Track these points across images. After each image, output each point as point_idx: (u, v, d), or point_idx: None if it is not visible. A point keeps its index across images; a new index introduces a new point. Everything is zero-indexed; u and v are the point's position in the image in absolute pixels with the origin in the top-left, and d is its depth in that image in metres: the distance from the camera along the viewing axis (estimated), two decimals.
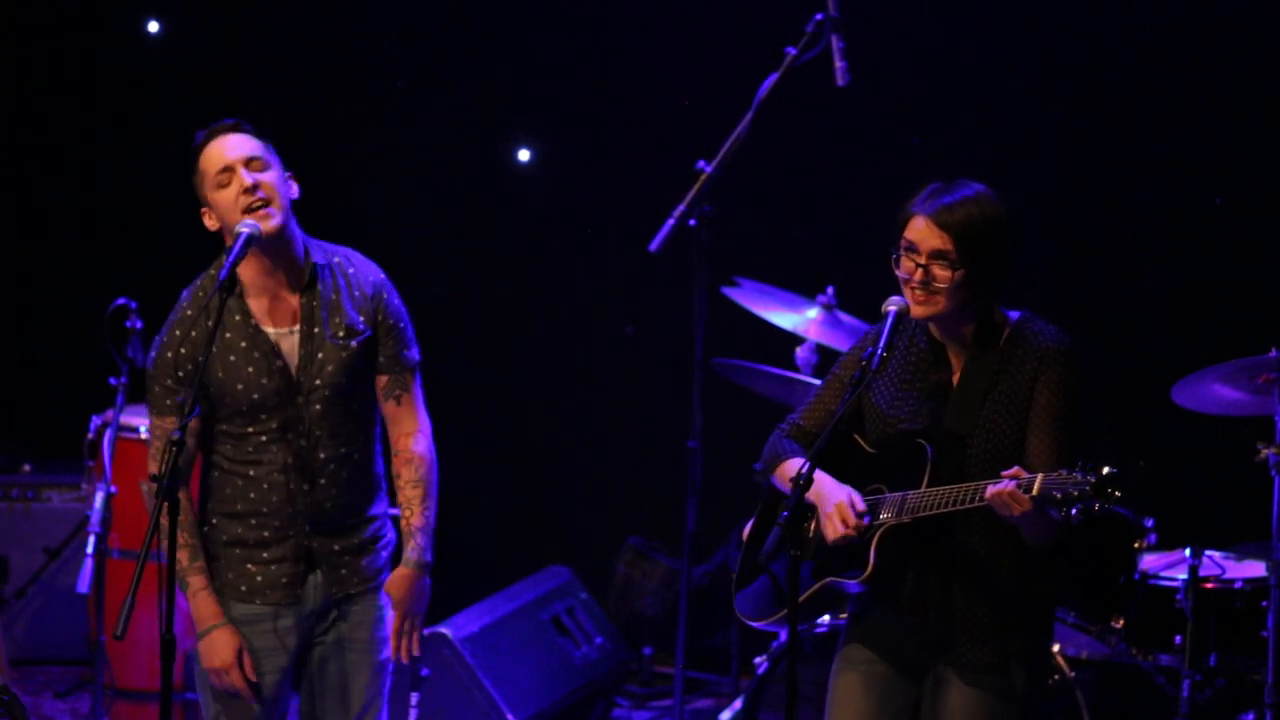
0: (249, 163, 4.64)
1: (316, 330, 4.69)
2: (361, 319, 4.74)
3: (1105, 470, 4.03)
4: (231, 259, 4.53)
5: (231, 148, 4.66)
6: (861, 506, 4.31)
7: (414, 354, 4.86)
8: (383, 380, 4.80)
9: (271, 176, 4.65)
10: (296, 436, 4.70)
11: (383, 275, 4.85)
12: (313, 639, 4.81)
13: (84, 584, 6.23)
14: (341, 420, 4.73)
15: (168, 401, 4.68)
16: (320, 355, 4.68)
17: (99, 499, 6.32)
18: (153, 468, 4.68)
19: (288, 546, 4.74)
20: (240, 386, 4.67)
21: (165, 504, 4.34)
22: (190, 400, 4.49)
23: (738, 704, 6.52)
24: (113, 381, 6.62)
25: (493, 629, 6.91)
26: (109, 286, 6.88)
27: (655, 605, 8.03)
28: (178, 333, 4.69)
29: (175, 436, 4.36)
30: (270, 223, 4.60)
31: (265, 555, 4.74)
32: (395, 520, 4.94)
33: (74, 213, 8.78)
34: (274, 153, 4.72)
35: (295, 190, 4.74)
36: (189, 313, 4.71)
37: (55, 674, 7.72)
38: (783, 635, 5.99)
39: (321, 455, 4.71)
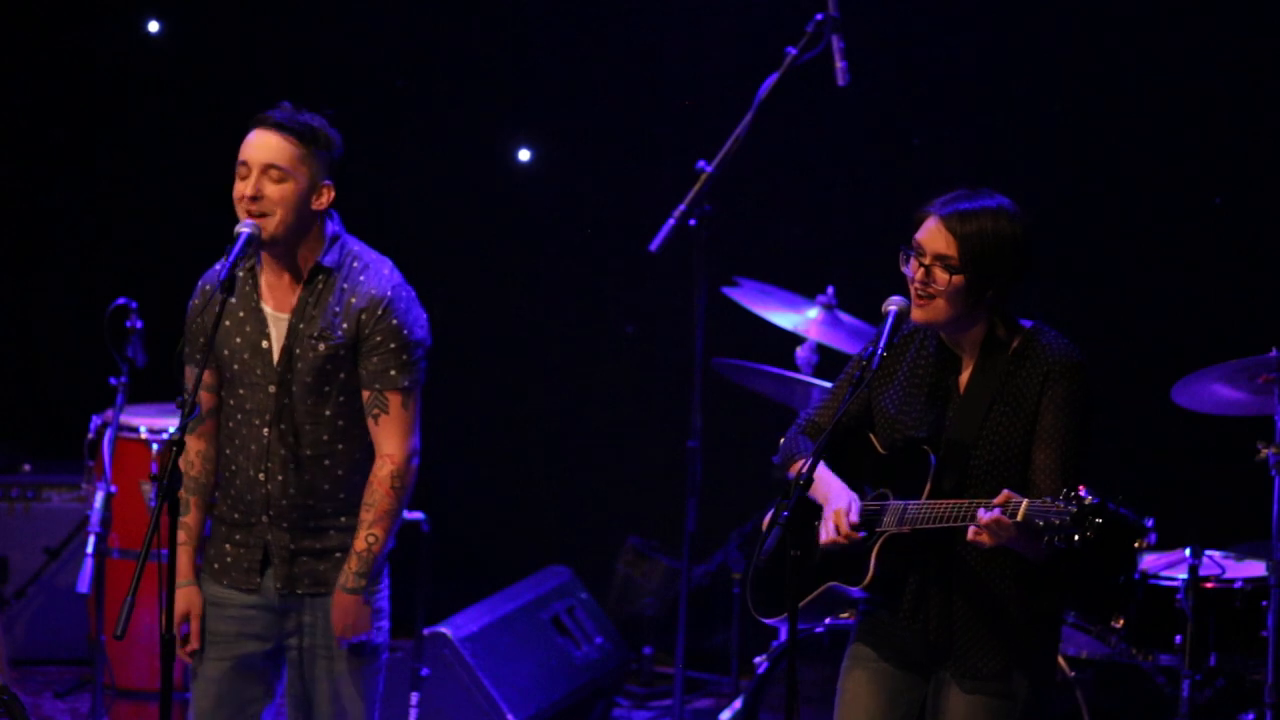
0: (267, 169, 4.63)
1: (302, 326, 4.69)
2: (343, 326, 4.69)
3: (1087, 501, 4.02)
4: (231, 259, 4.53)
5: (258, 146, 4.65)
6: (855, 519, 4.29)
7: (406, 378, 4.72)
8: (365, 395, 4.73)
9: (283, 190, 4.63)
10: (262, 424, 4.71)
11: (394, 293, 4.74)
12: (288, 638, 4.80)
13: (84, 584, 6.23)
14: (313, 421, 4.70)
15: (187, 349, 4.79)
16: (297, 351, 4.69)
17: (99, 499, 6.31)
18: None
19: (251, 533, 4.76)
20: (227, 353, 4.72)
21: (165, 504, 4.35)
22: (190, 401, 4.49)
23: (738, 704, 6.52)
24: (113, 381, 6.62)
25: (493, 629, 6.90)
26: (109, 286, 6.89)
27: (655, 605, 8.03)
28: (199, 284, 4.83)
29: (176, 437, 4.37)
30: (265, 232, 4.60)
31: (237, 537, 4.78)
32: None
33: (74, 212, 8.78)
34: (314, 158, 4.68)
35: (324, 200, 4.71)
36: (216, 266, 4.76)
37: (55, 674, 7.72)
38: (783, 634, 5.99)
39: (283, 451, 4.70)
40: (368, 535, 4.71)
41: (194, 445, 4.79)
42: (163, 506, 4.35)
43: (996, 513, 4.10)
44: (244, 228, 4.59)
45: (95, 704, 6.58)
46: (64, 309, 8.66)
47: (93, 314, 6.84)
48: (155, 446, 5.16)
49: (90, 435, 7.03)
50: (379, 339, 4.71)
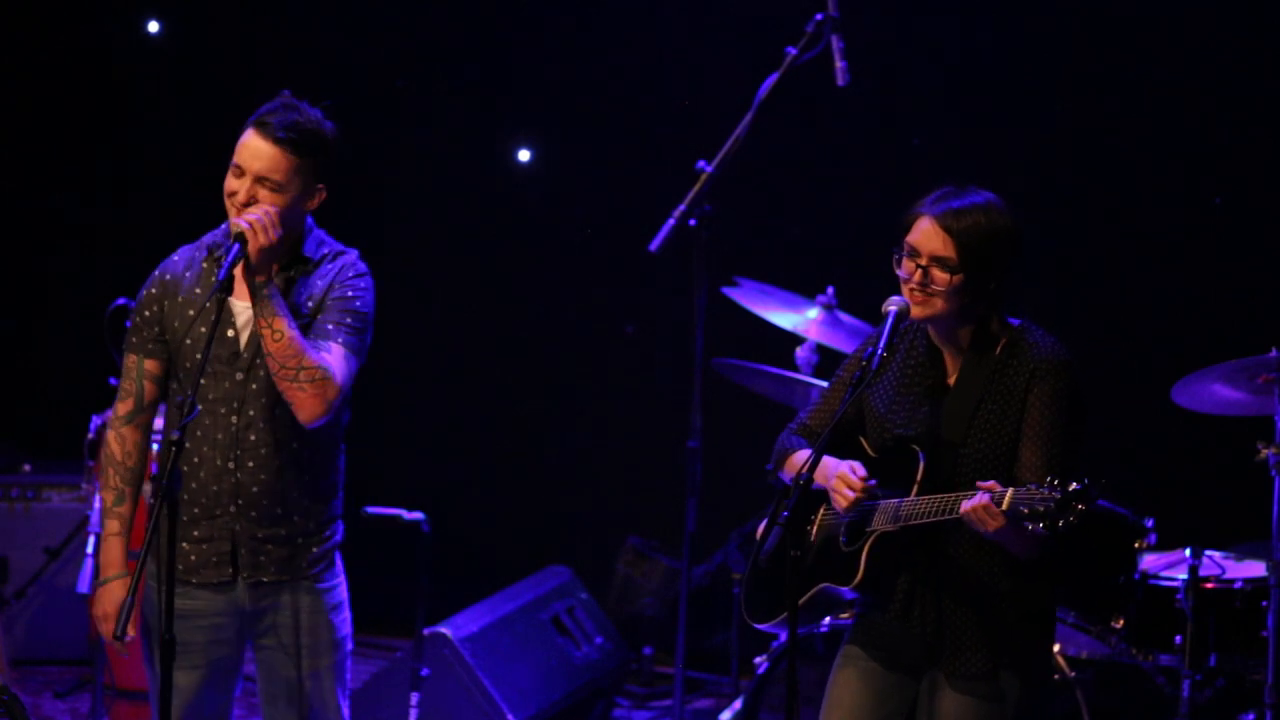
0: (262, 180, 4.62)
1: None
2: (310, 305, 4.70)
3: (1071, 487, 4.03)
4: (230, 260, 4.53)
5: (257, 155, 4.62)
6: (862, 471, 4.33)
7: (341, 336, 4.65)
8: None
9: (276, 201, 4.61)
10: (229, 413, 4.69)
11: (357, 270, 4.75)
12: (257, 638, 4.79)
13: (84, 584, 6.23)
14: (282, 406, 4.69)
15: (133, 339, 4.76)
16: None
17: (99, 499, 6.31)
18: (118, 407, 4.76)
19: (215, 526, 4.72)
20: (189, 343, 4.67)
21: (165, 504, 4.34)
22: (189, 402, 4.48)
23: (738, 704, 6.52)
24: (113, 381, 6.61)
25: (493, 629, 6.91)
26: (109, 286, 6.88)
27: (655, 605, 8.03)
28: (156, 273, 4.77)
29: (175, 436, 4.36)
30: (253, 245, 4.56)
31: (196, 533, 4.73)
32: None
33: (74, 212, 8.78)
34: (309, 166, 4.64)
35: (315, 203, 4.70)
36: (175, 258, 4.77)
37: (55, 674, 7.72)
38: (783, 635, 5.99)
39: (252, 437, 4.68)
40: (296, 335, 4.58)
41: (131, 436, 4.76)
42: (162, 506, 4.35)
43: (985, 498, 4.11)
44: (243, 225, 4.58)
45: (95, 704, 6.58)
46: (64, 309, 8.66)
47: (93, 314, 6.84)
48: (155, 446, 5.18)
49: (90, 435, 7.03)
50: (332, 300, 4.69)
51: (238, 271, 4.61)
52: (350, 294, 4.72)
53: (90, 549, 6.27)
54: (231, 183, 4.66)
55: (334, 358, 4.63)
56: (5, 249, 8.82)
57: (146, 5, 8.70)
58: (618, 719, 7.60)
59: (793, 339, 6.69)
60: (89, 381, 7.40)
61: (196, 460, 4.71)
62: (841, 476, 4.34)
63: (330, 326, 4.67)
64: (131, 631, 4.66)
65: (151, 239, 8.62)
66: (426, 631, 6.57)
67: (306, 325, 4.68)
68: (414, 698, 6.34)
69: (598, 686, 7.31)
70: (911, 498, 4.30)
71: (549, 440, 8.47)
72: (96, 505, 6.32)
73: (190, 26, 8.69)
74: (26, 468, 8.06)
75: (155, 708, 4.79)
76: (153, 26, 8.70)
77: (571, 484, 8.44)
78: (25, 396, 8.75)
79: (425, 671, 6.42)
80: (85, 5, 8.74)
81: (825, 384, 4.70)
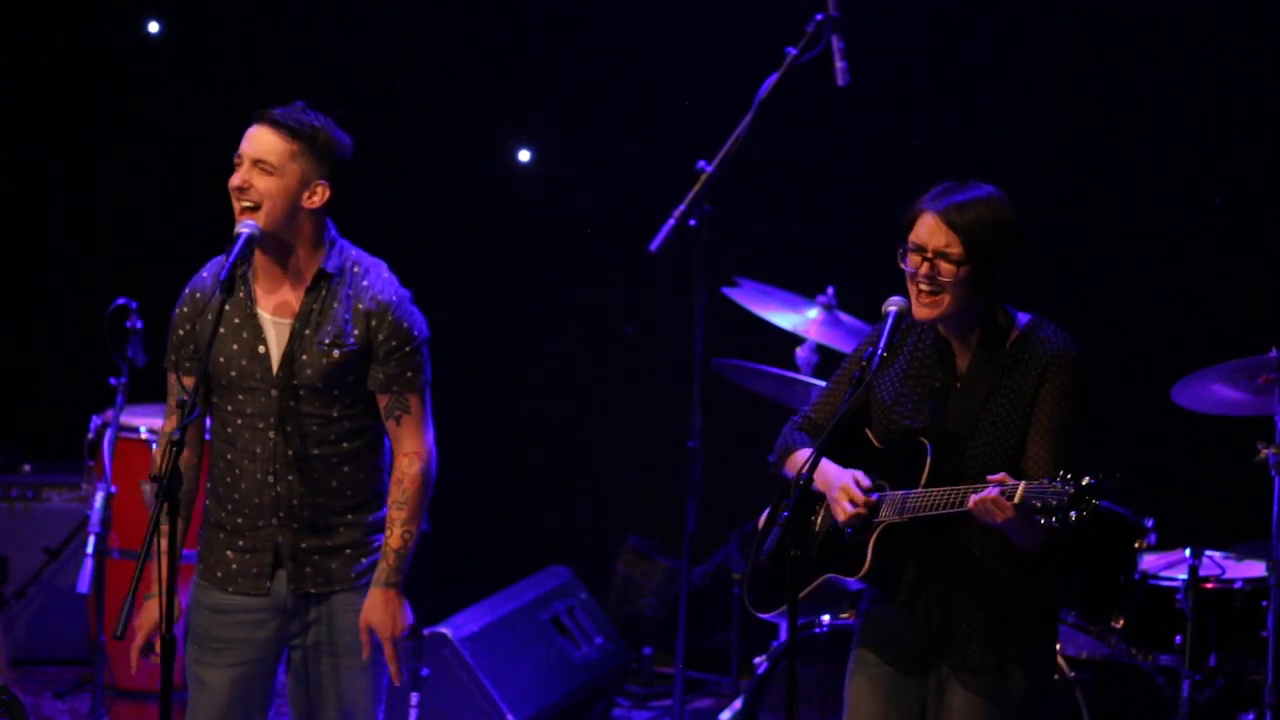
0: (257, 163, 4.64)
1: (307, 331, 4.68)
2: (355, 332, 4.70)
3: (1084, 481, 4.04)
4: (231, 259, 4.54)
5: (252, 141, 4.67)
6: (867, 483, 4.34)
7: (421, 378, 4.77)
8: (383, 400, 4.76)
9: (272, 184, 4.63)
10: (267, 428, 4.70)
11: (399, 296, 4.78)
12: (293, 639, 4.80)
13: (84, 584, 6.23)
14: (319, 422, 4.70)
15: (172, 357, 4.80)
16: (303, 356, 4.68)
17: (99, 499, 6.32)
18: (165, 425, 4.81)
19: (258, 537, 4.74)
20: (222, 360, 4.69)
21: (165, 504, 4.35)
22: (191, 401, 4.49)
23: (738, 704, 6.52)
24: (113, 381, 6.62)
25: (493, 629, 6.91)
26: (109, 286, 6.88)
27: (655, 605, 8.03)
28: (186, 291, 4.81)
29: (175, 437, 4.37)
30: (255, 228, 4.60)
31: (240, 543, 4.75)
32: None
33: (74, 212, 8.78)
34: (307, 156, 4.67)
35: (318, 200, 4.71)
36: (204, 274, 4.81)
37: (55, 674, 7.72)
38: (783, 633, 5.99)
39: (290, 452, 4.70)
40: (404, 533, 4.77)
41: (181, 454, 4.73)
42: (162, 506, 4.35)
43: (994, 491, 4.11)
44: (244, 228, 4.59)
45: (95, 704, 6.58)
46: (64, 309, 8.65)
47: (93, 314, 6.83)
48: (155, 446, 5.22)
49: (90, 435, 7.03)
50: (393, 344, 4.73)
51: (266, 284, 4.64)
52: (411, 328, 4.75)
53: (90, 549, 6.27)
54: (234, 176, 4.68)
55: (420, 445, 4.77)
56: (4, 249, 8.81)
57: (146, 5, 8.69)
58: (618, 719, 7.59)
59: (793, 339, 6.69)
60: (89, 381, 7.39)
61: (238, 473, 4.73)
62: (845, 489, 4.34)
63: (408, 401, 4.75)
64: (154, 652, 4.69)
65: (151, 239, 8.66)
66: (426, 631, 6.57)
67: (352, 352, 4.69)
68: (414, 698, 6.35)
69: (598, 686, 7.31)
70: (920, 490, 4.30)
71: (549, 440, 8.46)
72: (97, 505, 6.32)
73: (190, 26, 8.69)
74: (26, 468, 8.05)
75: (188, 708, 4.80)
76: (153, 26, 8.70)
77: (571, 484, 8.43)
78: (25, 396, 8.74)
79: (425, 671, 6.42)
80: (85, 5, 8.74)
81: (825, 384, 4.70)
